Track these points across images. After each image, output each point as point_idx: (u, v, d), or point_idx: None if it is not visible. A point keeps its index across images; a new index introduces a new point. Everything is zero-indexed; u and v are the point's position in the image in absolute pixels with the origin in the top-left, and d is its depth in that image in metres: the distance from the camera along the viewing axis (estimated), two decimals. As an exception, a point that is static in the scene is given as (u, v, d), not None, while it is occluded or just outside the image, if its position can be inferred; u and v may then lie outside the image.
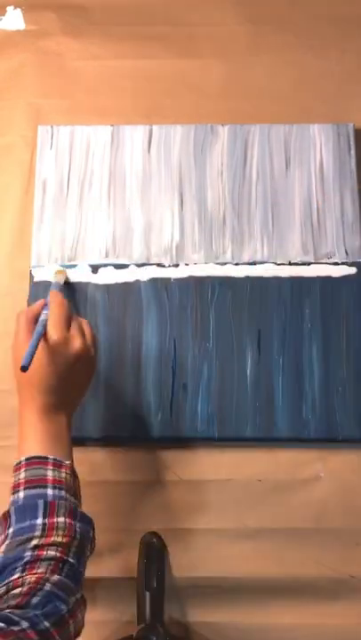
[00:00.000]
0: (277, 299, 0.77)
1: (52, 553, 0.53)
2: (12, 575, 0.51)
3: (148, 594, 0.68)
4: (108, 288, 0.78)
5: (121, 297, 0.78)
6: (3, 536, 0.55)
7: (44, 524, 0.54)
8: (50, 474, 0.57)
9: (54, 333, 0.61)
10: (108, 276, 0.78)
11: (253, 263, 0.79)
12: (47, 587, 0.49)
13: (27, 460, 0.58)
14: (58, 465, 0.58)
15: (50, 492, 0.56)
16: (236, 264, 0.79)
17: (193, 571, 0.72)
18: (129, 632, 0.67)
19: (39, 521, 0.54)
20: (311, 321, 0.77)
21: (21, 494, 0.56)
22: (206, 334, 0.76)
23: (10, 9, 0.91)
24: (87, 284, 0.78)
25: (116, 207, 0.81)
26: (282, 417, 0.73)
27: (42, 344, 0.61)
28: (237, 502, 0.73)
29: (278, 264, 0.79)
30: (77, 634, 0.50)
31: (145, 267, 0.79)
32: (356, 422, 0.73)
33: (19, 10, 0.91)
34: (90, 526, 0.57)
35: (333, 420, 0.73)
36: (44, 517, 0.54)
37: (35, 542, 0.53)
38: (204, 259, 0.79)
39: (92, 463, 0.74)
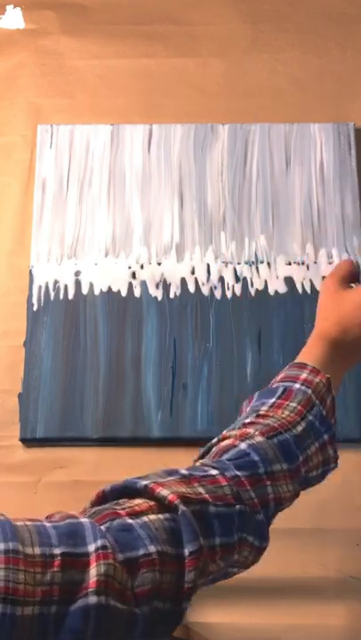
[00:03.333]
0: (277, 298, 0.77)
1: (269, 421, 0.52)
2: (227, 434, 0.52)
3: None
4: (107, 287, 0.78)
5: (121, 296, 0.78)
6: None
7: (273, 403, 0.55)
8: (304, 375, 0.58)
9: None
10: (107, 275, 0.78)
11: (253, 262, 0.78)
12: (246, 442, 0.50)
13: (289, 365, 0.60)
14: (315, 372, 0.58)
15: (297, 385, 0.56)
16: (237, 263, 0.78)
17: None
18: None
19: (271, 400, 0.55)
20: (311, 320, 0.76)
21: (274, 385, 0.58)
22: (206, 334, 0.76)
23: (9, 8, 0.91)
24: (87, 282, 0.78)
25: (116, 206, 0.81)
26: (282, 417, 0.73)
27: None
28: (238, 502, 0.73)
29: (278, 263, 0.78)
30: (279, 505, 0.50)
31: (145, 266, 0.79)
32: (356, 422, 0.73)
33: (18, 9, 0.91)
34: (325, 428, 0.55)
35: (334, 420, 0.73)
36: (278, 398, 0.55)
37: (261, 412, 0.54)
38: (204, 258, 0.79)
39: (92, 463, 0.74)
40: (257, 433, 0.51)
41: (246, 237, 0.79)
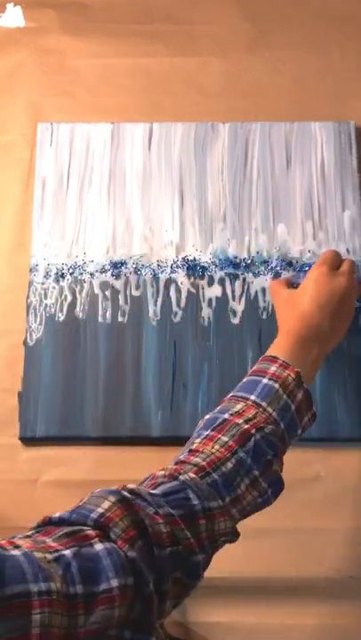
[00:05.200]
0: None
1: (198, 459, 0.53)
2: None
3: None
4: (107, 286, 0.78)
5: (121, 295, 0.77)
6: None
7: (206, 435, 0.55)
8: (273, 369, 0.59)
9: (321, 266, 0.66)
10: (107, 274, 0.78)
11: (254, 261, 0.78)
12: (181, 478, 0.50)
13: (261, 358, 0.61)
14: (285, 366, 0.60)
15: (265, 381, 0.58)
16: (237, 262, 0.78)
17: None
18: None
19: (206, 432, 0.55)
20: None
21: (243, 380, 0.60)
22: (206, 333, 0.76)
23: (9, 6, 0.91)
24: (87, 281, 0.78)
25: (116, 205, 0.81)
26: (282, 416, 0.73)
27: (311, 273, 0.66)
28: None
29: (279, 262, 0.78)
30: (216, 545, 0.50)
31: (145, 264, 0.79)
32: (357, 422, 0.73)
33: (18, 7, 0.91)
34: (261, 459, 0.54)
35: (334, 420, 0.73)
36: (212, 430, 0.55)
37: (192, 446, 0.54)
38: (205, 256, 0.79)
39: (92, 463, 0.74)
40: (189, 472, 0.51)
41: (247, 236, 0.79)
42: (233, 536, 0.53)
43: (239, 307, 0.77)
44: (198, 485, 0.50)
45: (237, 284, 0.78)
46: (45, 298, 0.77)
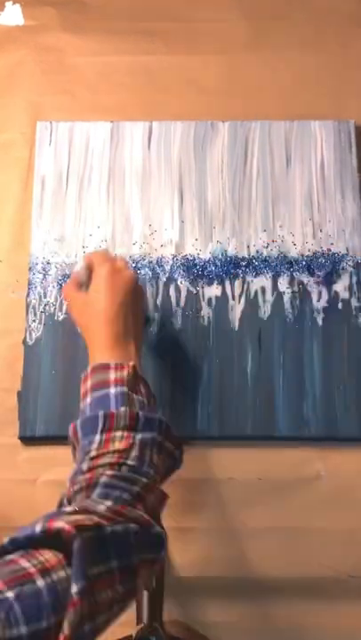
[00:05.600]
0: (278, 296, 0.77)
1: (106, 460, 0.53)
2: (71, 486, 0.53)
3: (146, 594, 0.68)
4: (107, 285, 0.78)
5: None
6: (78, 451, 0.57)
7: (100, 440, 0.55)
8: (112, 376, 0.59)
9: (105, 262, 0.66)
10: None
11: (253, 261, 0.78)
12: (102, 479, 0.51)
13: (92, 369, 0.61)
14: (120, 367, 0.60)
15: (112, 390, 0.58)
16: (237, 261, 0.78)
17: (193, 571, 0.71)
18: (128, 632, 0.66)
19: (97, 437, 0.55)
20: (312, 319, 0.76)
21: (88, 400, 0.59)
22: (206, 333, 0.76)
23: (9, 4, 0.90)
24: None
25: (116, 204, 0.81)
26: (282, 415, 0.73)
27: (97, 273, 0.66)
28: (237, 501, 0.73)
29: (278, 261, 0.78)
30: (156, 518, 0.51)
31: (144, 264, 0.78)
32: (357, 421, 0.73)
33: (18, 5, 0.90)
34: (155, 429, 0.57)
35: (334, 419, 0.73)
36: (102, 433, 0.56)
37: (92, 454, 0.54)
38: (204, 255, 0.78)
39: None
40: (105, 472, 0.52)
41: (246, 235, 0.79)
42: (164, 499, 0.55)
43: (239, 306, 0.77)
44: (118, 478, 0.51)
45: (237, 283, 0.77)
46: (45, 297, 0.77)
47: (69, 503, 0.51)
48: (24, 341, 0.76)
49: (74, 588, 0.40)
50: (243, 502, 0.72)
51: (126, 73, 0.88)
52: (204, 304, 0.77)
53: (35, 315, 0.77)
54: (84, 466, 0.54)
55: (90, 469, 0.53)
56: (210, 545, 0.72)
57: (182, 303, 0.77)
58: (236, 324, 0.76)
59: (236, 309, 0.77)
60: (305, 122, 0.83)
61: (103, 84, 0.87)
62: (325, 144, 0.82)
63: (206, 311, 0.77)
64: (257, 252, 0.79)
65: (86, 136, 0.83)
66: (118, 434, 0.55)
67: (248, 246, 0.79)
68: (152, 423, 0.57)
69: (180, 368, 0.75)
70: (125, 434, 0.55)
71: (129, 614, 0.71)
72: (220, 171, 0.82)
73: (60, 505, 0.52)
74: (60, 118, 0.84)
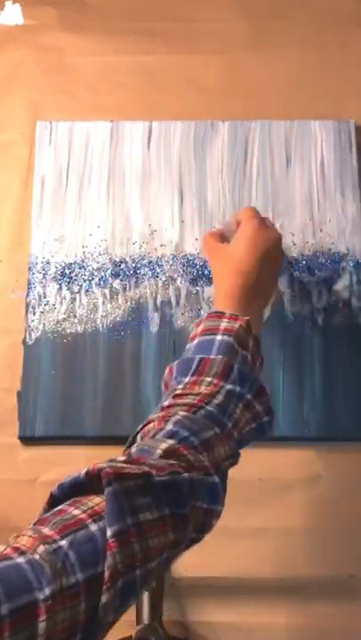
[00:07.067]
0: (278, 296, 0.77)
1: (187, 400, 0.53)
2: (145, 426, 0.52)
3: (146, 594, 0.68)
4: (106, 284, 0.78)
5: (120, 293, 0.77)
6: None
7: (188, 382, 0.55)
8: (223, 324, 0.59)
9: (252, 218, 0.66)
10: (106, 273, 0.78)
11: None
12: (171, 422, 0.50)
13: (207, 315, 0.61)
14: (234, 318, 0.59)
15: (218, 337, 0.57)
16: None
17: (193, 570, 0.71)
18: (128, 632, 0.66)
19: (186, 379, 0.55)
20: (312, 319, 0.76)
21: (193, 343, 0.59)
22: (206, 332, 0.76)
23: (8, 4, 0.90)
24: (86, 280, 0.78)
25: (116, 203, 0.81)
26: (283, 415, 0.73)
27: (243, 227, 0.66)
28: (238, 501, 0.72)
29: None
30: (222, 469, 0.50)
31: (144, 263, 0.78)
32: (357, 421, 0.73)
33: (17, 5, 0.90)
34: (246, 386, 0.55)
35: (335, 419, 0.73)
36: (192, 375, 0.55)
37: (176, 392, 0.54)
38: (204, 255, 0.78)
39: (90, 462, 0.73)
40: (179, 411, 0.51)
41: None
42: (235, 458, 0.53)
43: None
44: (192, 420, 0.50)
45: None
46: (44, 297, 0.77)
47: (130, 446, 0.51)
48: (24, 341, 0.76)
49: (109, 532, 0.40)
50: (243, 502, 0.72)
51: (126, 73, 0.88)
52: (204, 303, 0.77)
53: (34, 314, 0.77)
54: (165, 402, 0.54)
55: (169, 406, 0.53)
56: (210, 545, 0.72)
57: (182, 303, 0.77)
58: (236, 323, 0.76)
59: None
60: (305, 122, 0.83)
61: (103, 84, 0.87)
62: (325, 144, 0.82)
63: (207, 310, 0.76)
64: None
65: (86, 136, 0.83)
66: (208, 379, 0.54)
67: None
68: (246, 379, 0.56)
69: (180, 368, 0.75)
70: (215, 380, 0.54)
71: (129, 614, 0.71)
72: (220, 170, 0.82)
73: (129, 445, 0.52)
74: (59, 118, 0.84)
